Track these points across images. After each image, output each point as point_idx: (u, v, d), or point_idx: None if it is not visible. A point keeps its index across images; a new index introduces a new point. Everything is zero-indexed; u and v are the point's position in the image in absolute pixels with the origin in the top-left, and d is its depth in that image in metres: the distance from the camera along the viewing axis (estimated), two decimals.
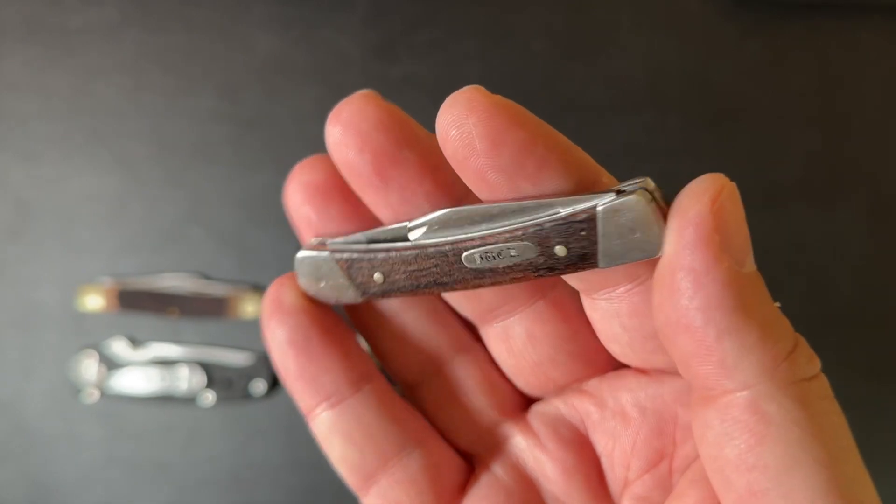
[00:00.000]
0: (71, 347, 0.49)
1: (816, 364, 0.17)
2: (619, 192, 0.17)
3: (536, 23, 0.49)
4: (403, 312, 0.21)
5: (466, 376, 0.22)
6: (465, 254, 0.18)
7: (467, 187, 0.18)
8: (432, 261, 0.18)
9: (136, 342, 0.49)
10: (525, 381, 0.22)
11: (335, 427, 0.20)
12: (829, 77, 0.50)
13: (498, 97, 0.17)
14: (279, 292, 0.20)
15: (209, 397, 0.49)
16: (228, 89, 0.49)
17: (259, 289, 0.49)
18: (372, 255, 0.19)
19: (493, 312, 0.21)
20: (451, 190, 0.18)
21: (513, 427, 0.22)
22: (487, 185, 0.17)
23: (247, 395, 0.48)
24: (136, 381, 0.48)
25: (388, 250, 0.19)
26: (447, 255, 0.18)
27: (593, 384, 0.21)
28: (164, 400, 0.49)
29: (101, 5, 0.49)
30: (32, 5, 0.49)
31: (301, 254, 0.20)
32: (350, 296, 0.20)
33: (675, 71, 0.49)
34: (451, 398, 0.22)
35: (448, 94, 0.17)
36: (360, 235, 0.19)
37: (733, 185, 0.17)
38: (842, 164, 0.50)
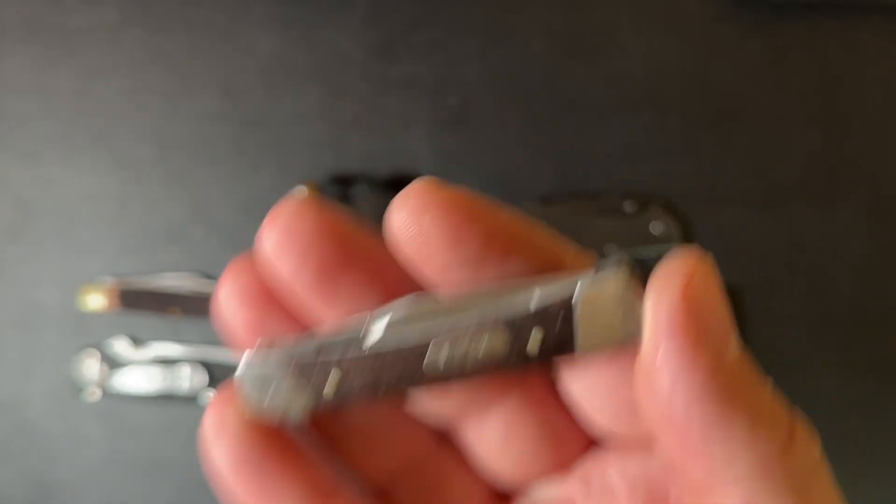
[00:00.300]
0: (72, 347, 0.49)
1: (816, 447, 0.16)
2: (596, 274, 0.16)
3: (536, 23, 0.49)
4: (368, 413, 0.19)
5: (441, 477, 0.20)
6: (430, 350, 0.17)
7: (422, 285, 0.17)
8: (392, 367, 0.17)
9: (137, 341, 0.49)
10: (504, 477, 0.20)
11: None
12: (829, 77, 0.50)
13: (453, 190, 0.16)
14: (221, 412, 0.18)
15: (210, 396, 0.49)
16: (229, 89, 0.49)
17: None
18: (325, 360, 0.17)
19: (465, 412, 0.19)
20: (405, 291, 0.17)
21: None
22: (450, 280, 0.16)
23: None
24: (137, 380, 0.49)
25: (343, 352, 0.17)
26: (411, 354, 0.17)
27: (576, 466, 0.19)
28: (166, 399, 0.49)
29: (101, 5, 0.49)
30: (33, 5, 0.49)
31: (243, 363, 0.18)
32: (300, 406, 0.17)
33: (674, 71, 0.49)
34: (425, 499, 0.20)
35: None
36: (309, 339, 0.17)
37: (707, 264, 0.15)
38: (842, 164, 0.50)
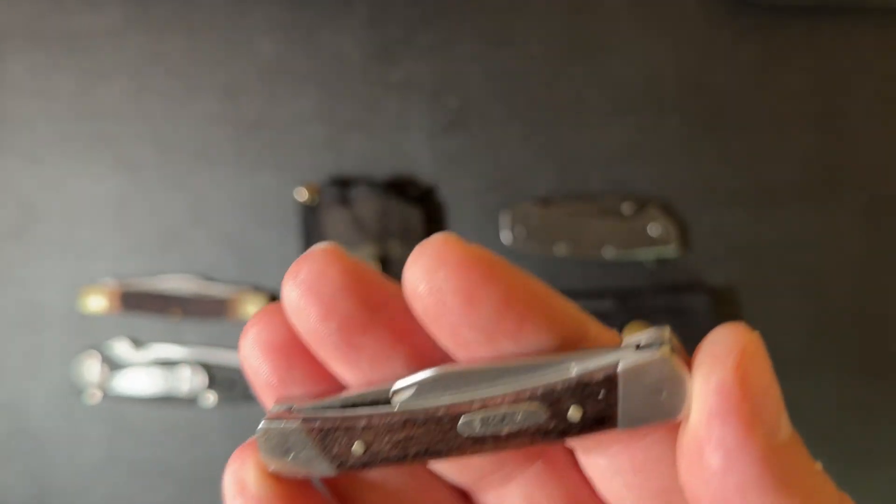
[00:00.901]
0: (74, 348, 0.49)
1: None
2: (639, 348, 0.15)
3: (535, 26, 0.50)
4: (387, 481, 0.18)
5: None
6: (462, 419, 0.16)
7: (446, 352, 0.16)
8: (423, 428, 0.16)
9: (138, 343, 0.49)
10: None
11: None
12: (825, 79, 0.50)
13: (471, 247, 0.15)
14: (241, 471, 0.17)
15: (211, 398, 0.49)
16: (230, 92, 0.50)
17: (260, 290, 0.49)
18: (351, 423, 0.16)
19: (486, 479, 0.18)
20: (431, 354, 0.16)
21: None
22: (462, 343, 0.15)
23: (248, 396, 0.49)
24: (138, 381, 0.49)
25: (370, 416, 0.16)
26: (441, 421, 0.16)
27: None
28: (166, 400, 0.49)
29: (103, 9, 0.49)
30: (36, 9, 0.49)
31: (264, 424, 0.17)
32: (323, 470, 0.17)
33: (672, 73, 0.50)
34: None
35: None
36: (334, 399, 0.17)
37: (758, 341, 0.15)
38: (838, 165, 0.50)
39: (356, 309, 0.16)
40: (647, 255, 0.49)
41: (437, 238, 0.15)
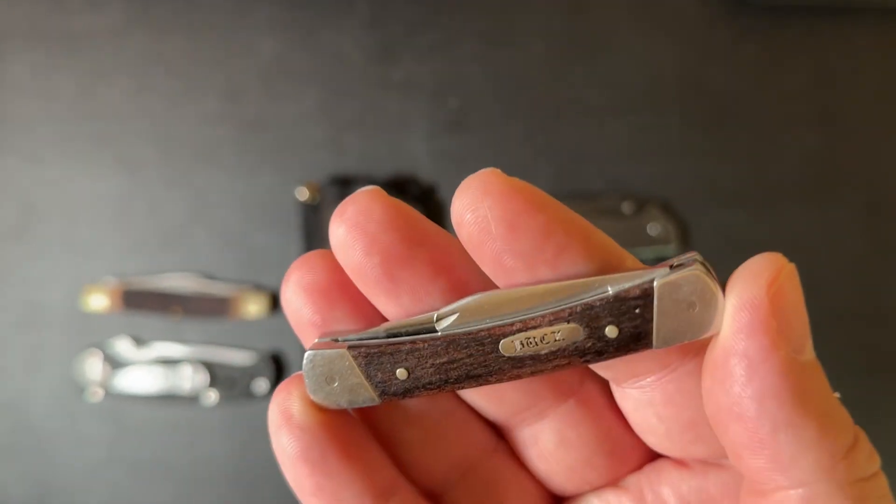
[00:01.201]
0: (75, 347, 0.49)
1: (876, 461, 0.16)
2: (673, 267, 0.16)
3: (535, 26, 0.50)
4: (423, 416, 0.19)
5: (494, 482, 0.20)
6: (503, 340, 0.16)
7: (484, 284, 0.17)
8: (465, 350, 0.17)
9: (139, 342, 0.49)
10: (558, 484, 0.20)
11: None
12: (824, 78, 0.50)
13: (514, 180, 0.16)
14: (287, 401, 0.18)
15: (212, 396, 0.49)
16: (231, 92, 0.50)
17: (261, 289, 0.49)
18: (395, 348, 0.17)
19: (520, 416, 0.19)
20: (466, 288, 0.17)
21: None
22: (504, 270, 0.16)
23: (249, 394, 0.49)
24: (139, 380, 0.49)
25: (414, 341, 0.17)
26: (483, 344, 0.17)
27: (631, 479, 0.20)
28: (168, 399, 0.49)
29: (104, 9, 0.50)
30: (36, 9, 0.50)
31: (310, 350, 0.17)
32: (366, 397, 0.17)
33: (672, 73, 0.50)
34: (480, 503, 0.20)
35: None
36: (377, 329, 0.17)
37: (792, 266, 0.16)
38: (837, 164, 0.50)
39: (397, 243, 0.16)
40: (646, 254, 0.49)
41: (482, 172, 0.16)
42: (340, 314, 0.18)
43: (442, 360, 0.17)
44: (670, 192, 0.50)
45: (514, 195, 0.16)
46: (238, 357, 0.49)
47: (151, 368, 0.49)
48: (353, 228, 0.16)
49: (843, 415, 0.16)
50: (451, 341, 0.17)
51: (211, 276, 0.49)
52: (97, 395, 0.49)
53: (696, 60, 0.50)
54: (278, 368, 0.49)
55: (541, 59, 0.50)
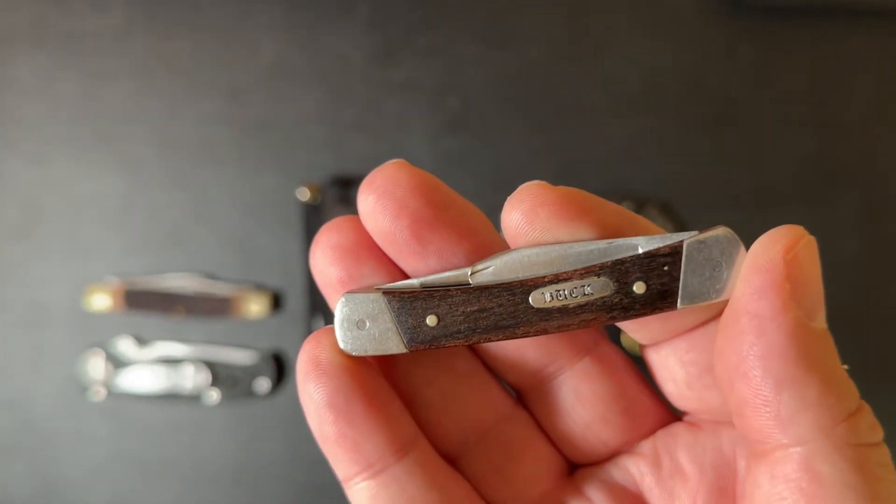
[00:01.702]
0: (78, 346, 0.50)
1: (879, 432, 0.16)
2: (701, 231, 0.17)
3: (535, 27, 0.50)
4: (443, 376, 0.20)
5: (510, 447, 0.20)
6: (533, 292, 0.17)
7: (504, 248, 0.18)
8: (497, 300, 0.17)
9: (142, 341, 0.50)
10: (575, 445, 0.20)
11: (376, 498, 0.18)
12: (821, 80, 0.50)
13: (562, 188, 0.17)
14: (316, 349, 0.18)
15: (214, 395, 0.49)
16: (232, 93, 0.50)
17: (262, 288, 0.49)
18: (428, 294, 0.17)
19: (538, 375, 0.20)
20: (489, 250, 0.18)
21: (564, 495, 0.20)
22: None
23: (251, 394, 0.49)
24: (142, 379, 0.49)
25: (447, 288, 0.17)
26: (514, 293, 0.17)
27: (646, 445, 0.20)
28: (170, 398, 0.49)
29: (108, 11, 0.50)
30: (41, 12, 0.50)
31: (347, 293, 0.18)
32: (395, 344, 0.18)
33: (670, 75, 0.50)
34: (496, 467, 0.20)
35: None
36: (412, 281, 0.18)
37: (812, 238, 0.16)
38: (834, 165, 0.50)
39: (425, 207, 0.17)
40: None
41: (532, 184, 0.18)
42: (368, 271, 0.19)
43: (472, 309, 0.17)
44: (669, 193, 0.50)
45: (567, 201, 0.17)
46: (240, 356, 0.49)
47: (153, 368, 0.49)
48: (382, 195, 0.17)
49: (848, 384, 0.16)
50: (484, 290, 0.17)
51: (213, 276, 0.50)
52: (100, 394, 0.49)
53: (694, 62, 0.50)
54: (280, 368, 0.50)
55: (540, 60, 0.50)
